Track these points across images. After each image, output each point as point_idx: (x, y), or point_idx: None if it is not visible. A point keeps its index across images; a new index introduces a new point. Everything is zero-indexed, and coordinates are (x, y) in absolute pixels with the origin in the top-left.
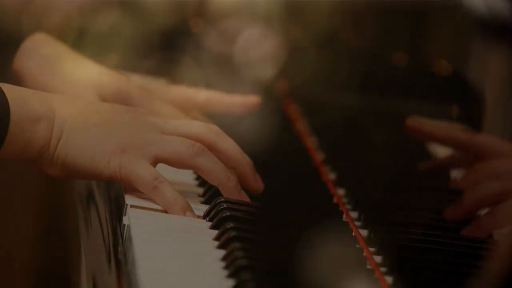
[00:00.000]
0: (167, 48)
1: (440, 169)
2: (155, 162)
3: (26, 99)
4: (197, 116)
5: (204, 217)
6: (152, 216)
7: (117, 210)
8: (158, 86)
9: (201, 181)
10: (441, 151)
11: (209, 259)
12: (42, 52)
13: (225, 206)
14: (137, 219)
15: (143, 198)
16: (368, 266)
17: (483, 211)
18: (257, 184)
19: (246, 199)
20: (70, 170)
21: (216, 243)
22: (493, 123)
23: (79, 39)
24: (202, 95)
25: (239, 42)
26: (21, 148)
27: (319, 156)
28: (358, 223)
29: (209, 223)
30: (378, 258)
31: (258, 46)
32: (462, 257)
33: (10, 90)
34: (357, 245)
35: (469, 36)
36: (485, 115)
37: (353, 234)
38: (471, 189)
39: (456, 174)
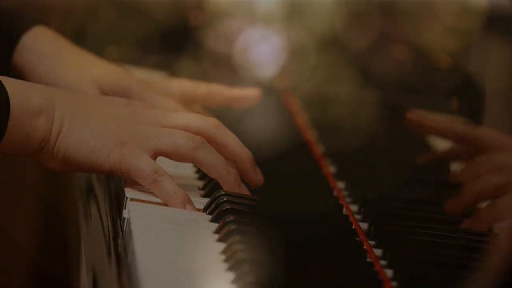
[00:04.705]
0: (167, 42)
1: (440, 162)
2: (155, 155)
3: (26, 93)
4: (197, 109)
5: (204, 210)
6: (152, 209)
7: (117, 203)
8: (158, 79)
9: (201, 174)
10: (441, 144)
11: (209, 252)
12: (42, 46)
13: (225, 199)
14: (137, 212)
15: (143, 191)
16: (368, 259)
17: (483, 204)
18: (257, 177)
19: (246, 192)
20: (70, 163)
21: (216, 236)
22: (493, 116)
23: (79, 32)
24: (202, 88)
25: (238, 37)
26: (21, 142)
27: (319, 150)
28: (358, 216)
29: (209, 216)
30: (378, 251)
31: (257, 41)
32: (462, 251)
33: (10, 83)
34: (357, 238)
35: (469, 29)
36: (485, 108)
37: (353, 227)
38: (471, 182)
39: (456, 167)
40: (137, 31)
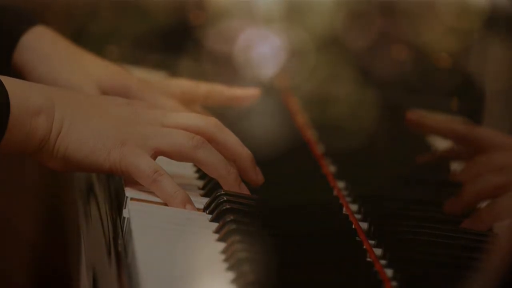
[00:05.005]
0: (168, 42)
1: (440, 162)
2: (155, 154)
3: (26, 92)
4: (197, 109)
5: (204, 209)
6: (152, 208)
7: (117, 203)
8: (159, 79)
9: (201, 174)
10: (441, 144)
11: (209, 252)
12: (42, 45)
13: (225, 199)
14: (137, 211)
15: (143, 191)
16: (368, 259)
17: (483, 204)
18: (257, 176)
19: (246, 191)
20: (70, 163)
21: (216, 235)
22: (493, 116)
23: (79, 32)
24: (202, 88)
25: (239, 36)
26: (21, 141)
27: (319, 149)
28: (358, 216)
29: (209, 216)
30: (378, 251)
31: (257, 41)
32: (462, 250)
33: (10, 82)
34: (357, 238)
35: (469, 29)
36: (485, 108)
37: (353, 227)
38: (471, 182)
39: (456, 167)
40: (137, 30)
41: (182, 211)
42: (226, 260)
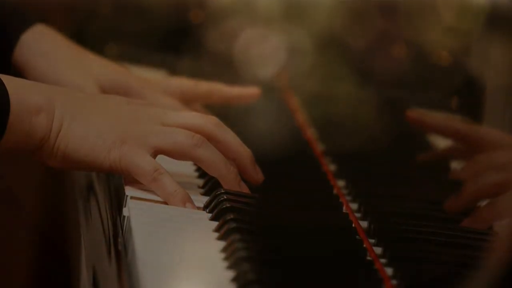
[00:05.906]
0: (168, 41)
1: (440, 160)
2: (155, 153)
3: (27, 91)
4: (197, 108)
5: (204, 208)
6: (152, 207)
7: (117, 201)
8: (159, 78)
9: (201, 173)
10: (442, 143)
11: (209, 251)
12: (42, 44)
13: (225, 197)
14: (137, 210)
15: (143, 190)
16: (368, 258)
17: (483, 203)
18: (257, 175)
19: (246, 190)
20: (70, 161)
21: (216, 234)
22: (493, 114)
23: (79, 31)
24: (202, 87)
25: (239, 36)
26: (21, 140)
27: (319, 148)
28: (358, 215)
29: (209, 215)
30: (378, 250)
31: (257, 40)
32: (462, 249)
33: (10, 81)
34: (357, 237)
35: (470, 28)
36: (486, 107)
37: (353, 225)
38: (471, 180)
39: (456, 165)
40: (137, 29)
41: (182, 209)
42: (226, 258)
